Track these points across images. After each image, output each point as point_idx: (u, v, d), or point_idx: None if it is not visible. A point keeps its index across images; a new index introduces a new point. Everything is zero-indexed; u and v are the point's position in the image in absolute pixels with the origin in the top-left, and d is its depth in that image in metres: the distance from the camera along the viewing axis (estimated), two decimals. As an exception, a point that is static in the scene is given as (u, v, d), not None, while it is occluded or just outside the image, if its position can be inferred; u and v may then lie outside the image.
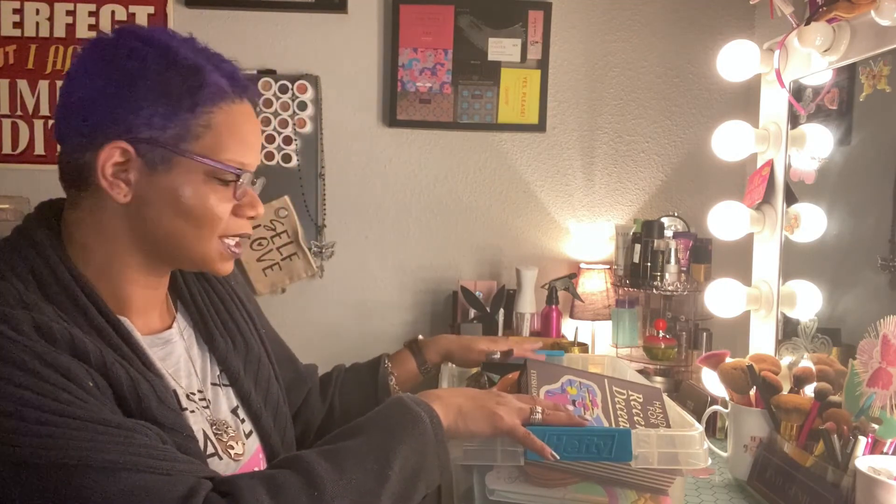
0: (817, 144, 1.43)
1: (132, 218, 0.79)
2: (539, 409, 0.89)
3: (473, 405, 0.86)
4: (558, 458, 0.86)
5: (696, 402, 1.55)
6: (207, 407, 0.87)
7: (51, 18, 2.19)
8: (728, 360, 1.30)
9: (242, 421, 0.92)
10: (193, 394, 0.86)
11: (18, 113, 2.20)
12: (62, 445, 0.63)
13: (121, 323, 0.78)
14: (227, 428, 0.88)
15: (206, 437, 0.83)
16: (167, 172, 0.78)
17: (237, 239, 0.87)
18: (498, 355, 1.18)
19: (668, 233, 1.97)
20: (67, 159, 0.79)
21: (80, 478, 0.64)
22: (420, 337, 1.23)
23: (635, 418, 1.00)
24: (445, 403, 0.85)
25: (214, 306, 0.96)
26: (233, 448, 0.86)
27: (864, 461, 0.96)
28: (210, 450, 0.82)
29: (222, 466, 0.82)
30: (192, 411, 0.83)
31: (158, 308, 0.88)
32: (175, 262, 0.86)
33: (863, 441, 0.99)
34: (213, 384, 0.91)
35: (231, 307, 0.98)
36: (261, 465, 0.91)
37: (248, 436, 0.91)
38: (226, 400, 0.91)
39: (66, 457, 0.63)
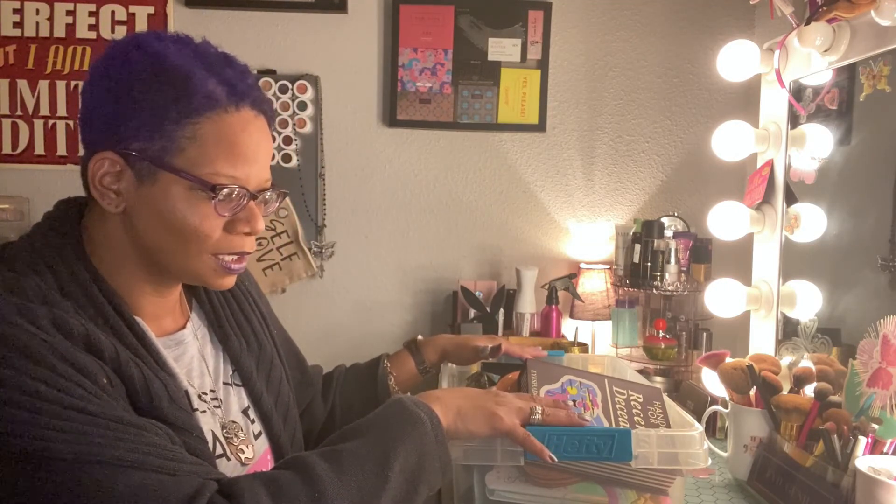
0: (817, 144, 1.43)
1: (129, 228, 0.79)
2: (539, 408, 0.89)
3: (473, 405, 0.86)
4: (556, 460, 0.86)
5: (696, 402, 1.55)
6: (219, 407, 0.88)
7: (51, 18, 2.19)
8: (728, 360, 1.30)
9: (252, 422, 0.92)
10: (205, 394, 0.86)
11: (18, 113, 2.20)
12: (73, 440, 0.64)
13: (136, 322, 0.79)
14: (237, 431, 0.88)
15: (214, 437, 0.83)
16: (153, 185, 0.76)
17: (235, 256, 0.82)
18: (489, 349, 1.19)
19: (668, 233, 1.97)
20: (80, 165, 0.80)
21: (89, 473, 0.64)
22: (419, 337, 1.23)
23: (635, 418, 1.00)
24: (445, 404, 0.85)
25: (230, 306, 0.96)
26: (243, 452, 0.87)
27: (864, 461, 0.96)
28: (219, 451, 0.83)
29: (230, 468, 0.83)
30: (203, 412, 0.84)
31: (171, 312, 0.88)
32: (171, 275, 0.83)
33: (863, 441, 0.99)
34: (226, 383, 0.91)
35: (246, 307, 0.98)
36: (269, 466, 0.91)
37: (256, 437, 0.91)
38: (237, 400, 0.91)
39: (76, 451, 0.64)
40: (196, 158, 0.76)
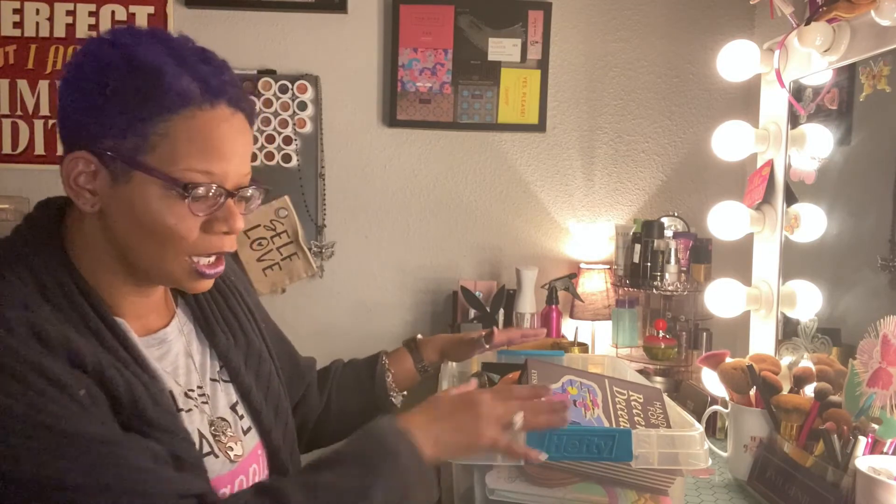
0: (817, 144, 1.43)
1: (105, 228, 0.78)
2: (518, 417, 0.86)
3: (451, 428, 0.84)
4: (546, 457, 0.86)
5: (696, 402, 1.55)
6: (206, 403, 0.87)
7: (51, 18, 2.19)
8: (728, 360, 1.30)
9: (241, 417, 0.91)
10: (192, 391, 0.86)
11: (18, 113, 2.20)
12: (43, 461, 0.63)
13: (117, 324, 0.78)
14: (225, 428, 0.87)
15: (201, 436, 0.83)
16: (127, 185, 0.74)
17: (213, 258, 0.80)
18: (483, 337, 1.18)
19: (668, 233, 1.98)
20: (59, 164, 0.78)
21: (59, 495, 0.63)
22: (419, 336, 1.23)
23: (635, 418, 1.00)
24: (424, 432, 0.82)
25: (216, 301, 0.95)
26: (232, 449, 0.86)
27: (864, 461, 0.96)
28: (206, 449, 0.82)
29: (219, 465, 0.82)
30: (190, 410, 0.83)
31: (155, 310, 0.87)
32: (145, 277, 0.81)
33: (863, 441, 0.99)
34: (213, 379, 0.90)
35: (232, 302, 0.97)
36: (259, 461, 0.91)
37: (246, 432, 0.91)
38: (225, 396, 0.90)
39: (47, 472, 0.63)
40: (168, 156, 0.74)
